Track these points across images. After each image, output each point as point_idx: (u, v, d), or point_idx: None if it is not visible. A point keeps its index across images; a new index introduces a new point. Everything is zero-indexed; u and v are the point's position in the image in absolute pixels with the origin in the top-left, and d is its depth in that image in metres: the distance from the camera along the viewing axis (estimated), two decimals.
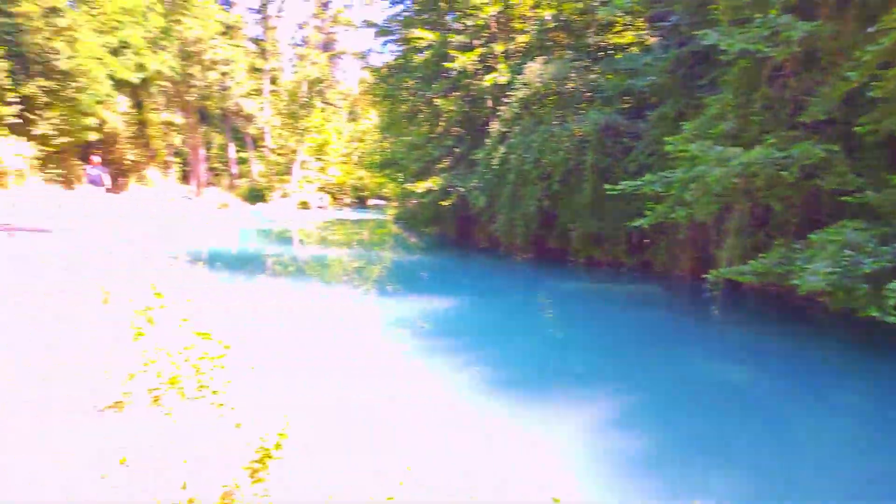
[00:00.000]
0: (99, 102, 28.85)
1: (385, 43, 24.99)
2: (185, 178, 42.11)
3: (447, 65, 17.75)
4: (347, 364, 7.14)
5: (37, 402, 4.03)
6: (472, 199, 18.26)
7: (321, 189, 45.42)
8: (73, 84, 26.54)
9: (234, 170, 44.16)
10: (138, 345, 4.52)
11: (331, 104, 47.87)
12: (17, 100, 24.27)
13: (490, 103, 19.50)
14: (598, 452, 5.13)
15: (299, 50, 43.46)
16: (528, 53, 18.05)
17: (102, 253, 9.84)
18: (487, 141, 17.86)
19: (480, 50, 17.88)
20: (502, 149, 17.03)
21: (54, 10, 24.72)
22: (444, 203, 19.22)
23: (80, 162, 28.41)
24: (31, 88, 24.93)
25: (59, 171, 27.67)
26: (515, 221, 16.50)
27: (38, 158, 25.47)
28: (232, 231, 25.49)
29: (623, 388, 6.90)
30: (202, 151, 39.77)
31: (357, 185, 49.49)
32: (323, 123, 45.99)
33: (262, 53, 41.82)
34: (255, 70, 40.66)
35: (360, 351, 7.88)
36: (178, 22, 32.53)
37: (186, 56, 33.43)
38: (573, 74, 16.43)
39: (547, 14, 18.60)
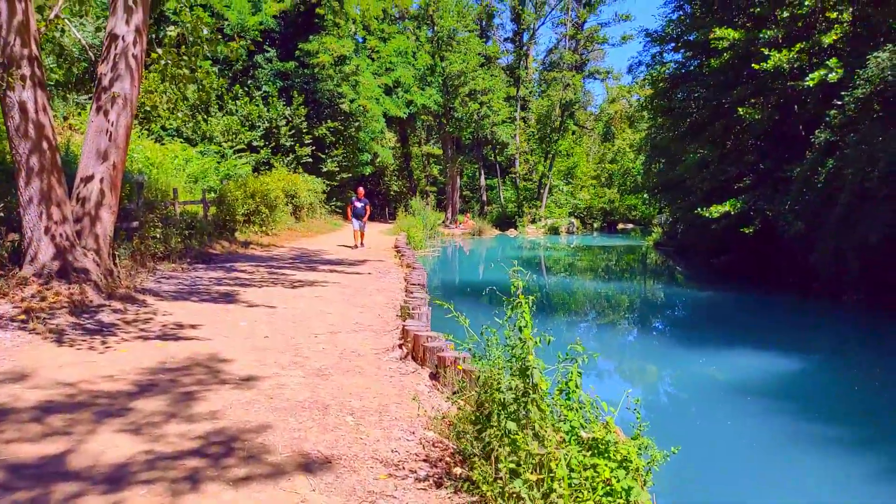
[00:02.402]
0: (373, 139, 31.23)
1: (656, 54, 22.71)
2: (440, 205, 44.16)
3: (756, 66, 14.94)
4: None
5: None
6: (783, 225, 15.18)
7: (571, 214, 44.17)
8: (355, 124, 28.97)
9: (485, 197, 45.13)
10: None
11: (582, 126, 46.58)
12: (311, 141, 27.10)
13: (797, 108, 16.17)
14: None
15: (550, 74, 43.02)
16: (869, 42, 14.42)
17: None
18: (808, 153, 14.74)
19: (801, 45, 14.74)
20: (831, 162, 13.97)
21: (343, 59, 27.23)
22: (746, 230, 16.25)
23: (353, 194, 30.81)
24: (321, 130, 27.73)
25: (339, 203, 30.34)
26: (846, 253, 13.61)
27: (324, 192, 28.11)
28: (480, 258, 25.19)
29: None
30: (458, 180, 41.24)
31: (607, 208, 47.23)
32: (573, 147, 44.86)
33: (515, 81, 42.19)
34: (508, 98, 41.18)
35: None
36: (443, 58, 34.09)
37: (448, 90, 34.85)
38: None
39: None
